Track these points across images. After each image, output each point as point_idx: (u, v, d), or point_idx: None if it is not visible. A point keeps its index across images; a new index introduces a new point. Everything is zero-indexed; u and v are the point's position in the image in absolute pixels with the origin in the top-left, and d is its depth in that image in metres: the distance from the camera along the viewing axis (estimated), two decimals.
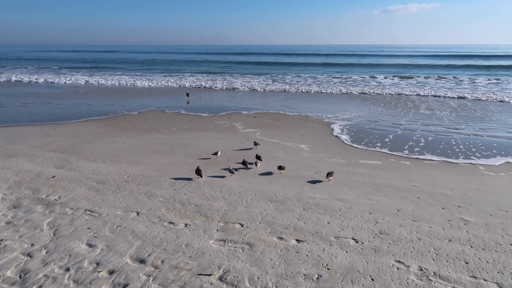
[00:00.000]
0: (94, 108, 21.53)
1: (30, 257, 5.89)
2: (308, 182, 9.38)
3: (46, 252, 6.02)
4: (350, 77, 39.84)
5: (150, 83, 36.47)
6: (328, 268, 5.59)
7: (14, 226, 6.90)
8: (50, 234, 6.61)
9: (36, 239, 6.45)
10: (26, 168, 10.26)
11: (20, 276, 5.38)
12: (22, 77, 42.47)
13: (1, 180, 9.33)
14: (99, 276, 5.39)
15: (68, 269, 5.55)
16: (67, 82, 38.07)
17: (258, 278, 5.35)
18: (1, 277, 5.34)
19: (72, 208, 7.73)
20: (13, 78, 41.29)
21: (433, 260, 5.82)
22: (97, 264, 5.69)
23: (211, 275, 5.42)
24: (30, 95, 27.55)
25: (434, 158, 11.76)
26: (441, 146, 13.11)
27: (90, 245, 6.24)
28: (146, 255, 5.93)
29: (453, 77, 38.15)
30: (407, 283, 5.23)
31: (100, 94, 28.86)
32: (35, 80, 39.08)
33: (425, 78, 38.29)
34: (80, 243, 6.32)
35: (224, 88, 33.06)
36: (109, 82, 37.68)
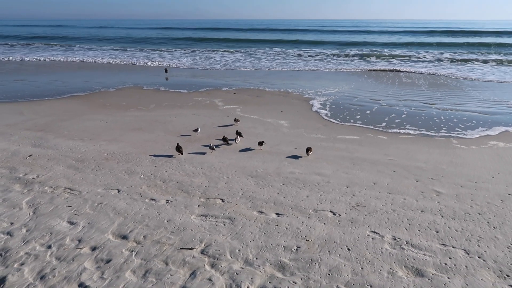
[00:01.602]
0: (69, 85, 20.96)
1: (10, 235, 5.87)
2: (288, 157, 9.54)
3: (27, 231, 6.01)
4: (328, 53, 39.67)
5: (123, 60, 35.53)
6: (306, 240, 5.80)
7: None
8: (29, 213, 6.58)
9: (16, 217, 6.41)
10: (1, 147, 10.04)
11: (1, 255, 5.38)
12: None
13: None
14: (81, 252, 5.44)
15: (49, 247, 5.57)
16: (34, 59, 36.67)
17: (239, 250, 5.51)
18: None
19: (51, 187, 7.67)
20: None
21: (406, 230, 6.10)
22: (79, 241, 5.73)
23: (193, 249, 5.55)
24: None
25: (410, 132, 12.08)
26: (417, 121, 13.45)
27: (71, 223, 6.26)
28: (128, 231, 6.00)
29: (429, 54, 38.50)
30: (381, 251, 5.49)
31: (74, 70, 28.04)
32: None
33: (404, 54, 38.57)
34: (61, 221, 6.32)
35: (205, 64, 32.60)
36: (81, 58, 36.54)
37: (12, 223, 6.23)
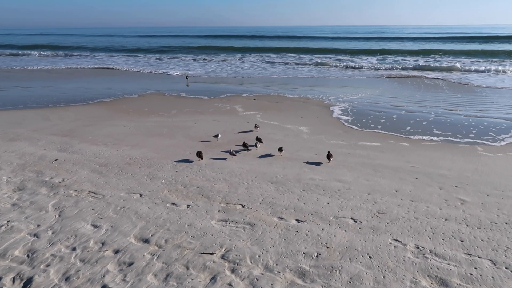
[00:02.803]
0: (93, 91, 21.49)
1: (37, 237, 6.04)
2: (308, 163, 9.50)
3: (52, 233, 6.17)
4: (352, 60, 39.43)
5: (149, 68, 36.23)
6: (327, 247, 5.75)
7: (20, 207, 7.05)
8: (55, 216, 6.76)
9: (42, 220, 6.59)
10: (29, 151, 10.36)
11: (28, 256, 5.54)
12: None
13: (4, 163, 9.44)
14: (104, 255, 5.55)
15: (74, 249, 5.71)
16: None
17: (259, 256, 5.51)
18: (10, 257, 5.50)
19: (76, 190, 7.86)
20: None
21: (430, 238, 5.97)
22: (103, 243, 5.85)
23: (214, 253, 5.58)
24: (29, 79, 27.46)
25: (434, 138, 11.85)
26: (441, 127, 13.18)
27: (95, 226, 6.39)
28: (150, 235, 6.08)
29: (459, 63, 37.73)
30: (404, 260, 5.39)
31: (98, 77, 28.76)
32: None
33: (426, 59, 37.93)
34: (85, 223, 6.47)
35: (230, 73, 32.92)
36: (106, 65, 37.45)
37: (38, 225, 6.41)
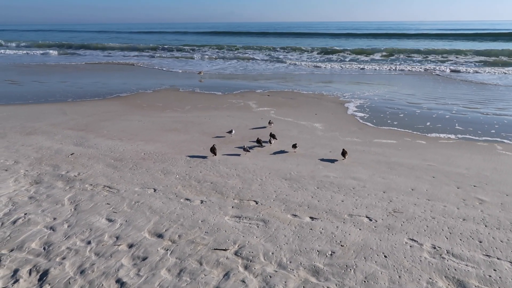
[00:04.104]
0: (109, 87, 21.70)
1: (53, 230, 6.12)
2: (322, 160, 9.41)
3: (68, 226, 6.25)
4: (367, 56, 38.98)
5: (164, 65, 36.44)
6: (341, 245, 5.68)
7: (37, 201, 7.16)
8: (71, 209, 6.84)
9: (58, 213, 6.68)
10: (46, 145, 10.52)
11: (44, 248, 5.62)
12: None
13: (22, 156, 9.60)
14: (119, 249, 5.59)
15: (89, 242, 5.77)
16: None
17: (272, 253, 5.47)
18: (27, 249, 5.59)
19: (91, 184, 7.95)
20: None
21: (447, 238, 5.84)
22: (117, 238, 5.90)
23: (227, 250, 5.57)
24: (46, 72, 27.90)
25: (451, 137, 11.62)
26: (459, 125, 12.91)
27: (109, 220, 6.45)
28: (164, 230, 6.11)
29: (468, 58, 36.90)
30: (420, 260, 5.29)
31: (113, 72, 29.05)
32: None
33: (441, 57, 37.20)
34: (100, 217, 6.53)
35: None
36: (120, 60, 37.78)
37: (55, 218, 6.50)
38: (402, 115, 14.49)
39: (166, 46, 52.32)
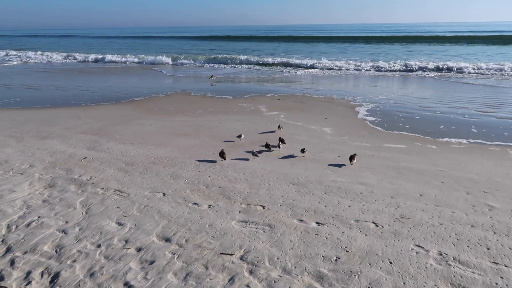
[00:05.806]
0: (122, 91, 22.05)
1: (65, 233, 6.29)
2: (331, 165, 9.43)
3: (79, 229, 6.41)
4: (378, 59, 38.70)
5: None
6: (346, 251, 5.71)
7: (50, 204, 7.35)
8: (82, 213, 7.01)
9: (70, 216, 6.86)
10: (60, 149, 10.78)
11: (56, 251, 5.79)
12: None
13: (37, 160, 9.86)
14: (127, 252, 5.72)
15: (99, 246, 5.91)
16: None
17: (278, 258, 5.53)
18: (39, 251, 5.76)
19: (103, 188, 8.12)
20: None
21: (454, 245, 5.82)
22: (126, 241, 6.03)
23: (233, 254, 5.65)
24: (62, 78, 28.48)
25: (462, 141, 11.49)
26: (471, 130, 12.76)
27: (119, 224, 6.60)
28: (172, 234, 6.22)
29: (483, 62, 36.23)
30: (426, 267, 5.28)
31: (127, 76, 29.49)
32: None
33: (462, 62, 36.66)
34: (110, 221, 6.69)
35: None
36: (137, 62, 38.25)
37: (67, 222, 6.67)
38: (413, 119, 14.38)
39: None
